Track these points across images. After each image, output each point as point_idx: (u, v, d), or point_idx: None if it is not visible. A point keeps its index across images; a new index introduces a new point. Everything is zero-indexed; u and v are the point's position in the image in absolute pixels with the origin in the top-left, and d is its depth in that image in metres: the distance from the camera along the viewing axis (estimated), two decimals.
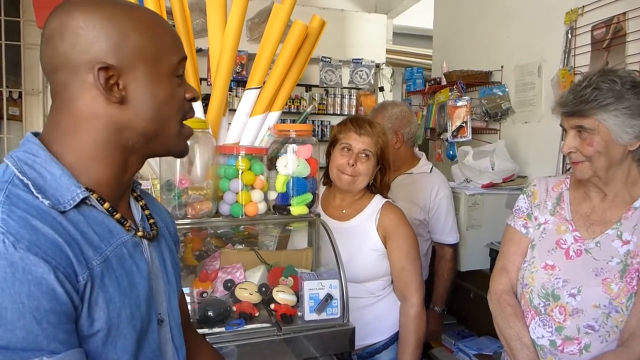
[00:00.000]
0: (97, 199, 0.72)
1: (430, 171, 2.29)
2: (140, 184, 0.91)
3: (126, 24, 0.71)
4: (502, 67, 2.93)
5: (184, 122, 0.82)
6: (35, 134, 0.74)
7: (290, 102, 5.12)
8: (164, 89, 0.75)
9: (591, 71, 1.35)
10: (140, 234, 0.78)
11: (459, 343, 2.50)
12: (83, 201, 0.70)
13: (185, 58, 0.80)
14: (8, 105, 4.16)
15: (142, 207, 0.85)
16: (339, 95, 5.33)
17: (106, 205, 0.73)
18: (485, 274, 2.33)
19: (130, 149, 0.75)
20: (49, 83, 0.74)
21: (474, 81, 3.00)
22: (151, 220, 0.85)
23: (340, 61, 5.19)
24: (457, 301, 2.53)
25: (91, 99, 0.70)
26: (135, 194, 0.86)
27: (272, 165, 1.45)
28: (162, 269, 0.83)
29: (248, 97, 1.51)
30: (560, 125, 1.33)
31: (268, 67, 1.50)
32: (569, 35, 2.39)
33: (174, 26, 1.48)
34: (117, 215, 0.74)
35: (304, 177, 1.44)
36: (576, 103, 1.24)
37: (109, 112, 0.71)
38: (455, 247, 2.33)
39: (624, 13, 2.09)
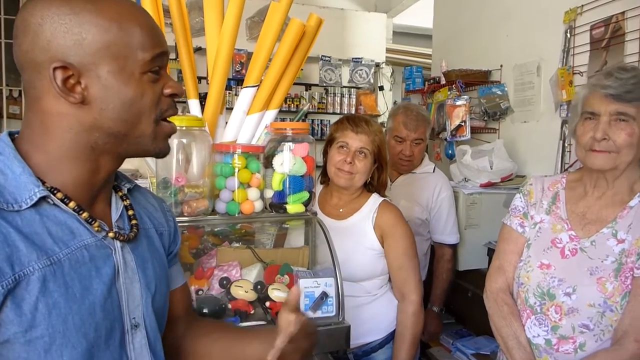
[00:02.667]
0: (61, 199, 0.70)
1: (433, 171, 2.31)
2: (134, 182, 0.89)
3: (89, 18, 0.67)
4: (501, 66, 2.93)
5: (170, 119, 0.78)
6: (14, 133, 0.73)
7: (289, 100, 5.12)
8: (132, 87, 0.71)
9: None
10: (111, 235, 0.75)
11: (457, 342, 2.50)
12: (45, 200, 0.68)
13: (164, 52, 0.75)
14: (8, 104, 4.16)
15: (125, 206, 0.82)
16: (339, 95, 5.33)
17: (71, 204, 0.70)
18: (483, 273, 2.31)
19: (100, 149, 0.73)
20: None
21: (473, 80, 3.00)
22: (133, 221, 0.81)
23: (340, 60, 5.19)
24: (455, 300, 2.53)
25: (54, 98, 0.68)
26: (121, 193, 0.83)
27: (268, 163, 1.45)
28: (140, 272, 0.79)
29: (245, 95, 1.51)
30: (589, 112, 1.26)
31: (265, 65, 1.50)
32: (568, 35, 2.39)
33: (170, 24, 1.48)
34: (84, 215, 0.72)
35: (301, 176, 1.44)
36: (624, 88, 1.19)
37: (73, 112, 0.69)
38: (454, 247, 2.34)
39: (623, 12, 2.09)
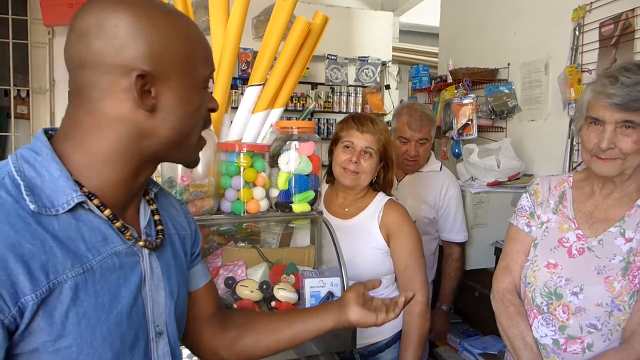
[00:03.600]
0: (98, 205, 0.70)
1: (440, 169, 2.30)
2: (159, 185, 0.89)
3: (167, 32, 0.69)
4: (508, 64, 2.91)
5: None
6: (48, 131, 0.73)
7: (296, 100, 5.12)
8: (195, 100, 0.74)
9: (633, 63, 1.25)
10: (141, 243, 0.75)
11: (463, 342, 2.49)
12: (80, 205, 0.68)
13: (214, 70, 0.79)
14: (16, 104, 4.18)
15: (152, 211, 0.82)
16: (345, 93, 5.32)
17: (107, 212, 0.70)
18: (490, 272, 2.30)
19: (148, 157, 0.74)
20: (71, 77, 0.71)
21: (480, 79, 2.98)
22: (159, 227, 0.82)
23: (346, 59, 5.18)
24: (462, 300, 2.52)
25: (118, 102, 0.69)
26: (148, 197, 0.83)
27: (274, 162, 1.45)
28: (165, 280, 0.80)
29: (250, 94, 1.51)
30: (593, 118, 1.23)
31: (270, 64, 1.50)
32: (577, 32, 2.37)
33: None
34: (118, 224, 0.72)
35: (306, 175, 1.43)
36: (630, 97, 1.16)
37: (135, 117, 0.70)
38: (463, 246, 2.33)
39: (633, 9, 2.07)
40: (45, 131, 0.73)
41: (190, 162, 0.82)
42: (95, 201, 0.69)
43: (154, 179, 1.47)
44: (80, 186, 0.68)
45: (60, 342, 0.63)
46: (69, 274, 0.64)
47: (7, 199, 0.63)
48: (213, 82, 1.52)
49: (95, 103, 0.69)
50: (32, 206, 0.63)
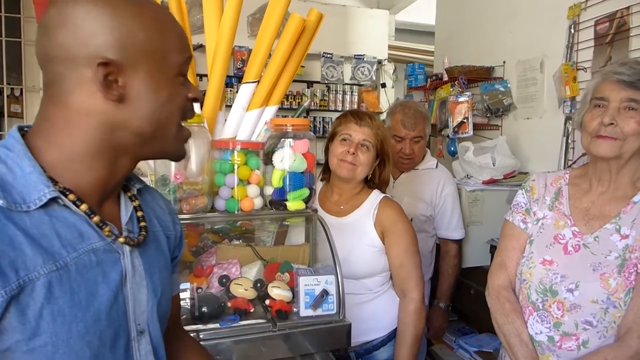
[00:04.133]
0: (73, 200, 0.68)
1: (436, 167, 2.29)
2: (143, 182, 0.87)
3: (132, 18, 0.68)
4: (504, 62, 2.91)
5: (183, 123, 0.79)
6: (23, 127, 0.71)
7: (292, 98, 5.11)
8: (167, 88, 0.72)
9: None
10: (121, 240, 0.73)
11: (459, 340, 2.49)
12: (55, 201, 0.66)
13: (190, 57, 0.77)
14: (10, 103, 4.16)
15: (135, 207, 0.80)
16: (341, 92, 5.32)
17: (83, 207, 0.68)
18: (485, 270, 2.29)
19: (122, 150, 0.72)
20: (42, 73, 0.70)
21: (476, 77, 2.98)
22: (142, 223, 0.79)
23: (342, 57, 5.17)
24: (458, 298, 2.52)
25: (87, 94, 0.67)
26: (130, 193, 0.81)
27: (268, 160, 1.44)
28: (148, 277, 0.77)
29: (244, 91, 1.50)
30: (599, 98, 1.25)
31: (265, 61, 1.49)
32: (572, 30, 2.37)
33: None
34: (96, 219, 0.70)
35: (301, 172, 1.42)
36: (638, 76, 1.18)
37: (105, 109, 0.68)
38: (460, 243, 2.33)
39: (628, 7, 2.07)
40: (20, 128, 0.71)
41: (174, 155, 0.80)
42: (71, 196, 0.68)
43: (150, 177, 1.48)
44: (55, 182, 0.67)
45: (34, 341, 0.61)
46: (40, 271, 0.62)
47: None
48: (208, 78, 1.50)
49: (65, 97, 0.68)
50: (1, 202, 0.62)
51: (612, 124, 1.21)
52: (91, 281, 0.67)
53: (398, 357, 1.60)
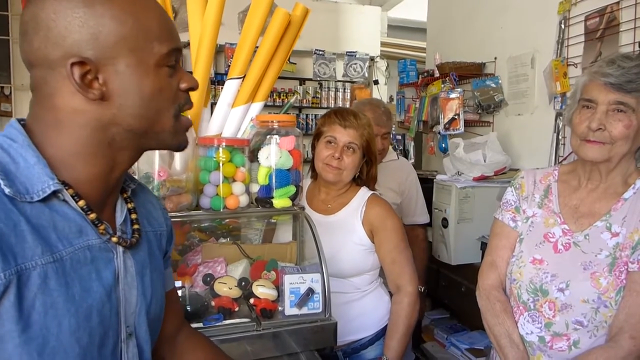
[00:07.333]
0: (72, 195, 0.67)
1: (398, 158, 2.43)
2: (137, 181, 0.86)
3: (103, 11, 0.65)
4: (495, 58, 2.90)
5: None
6: (21, 120, 0.70)
7: (284, 95, 5.09)
8: (151, 81, 0.69)
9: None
10: (114, 239, 0.72)
11: (451, 337, 2.49)
12: (55, 195, 0.66)
13: (179, 48, 0.73)
14: (0, 101, 4.12)
15: (129, 209, 0.79)
16: (333, 89, 5.30)
17: (81, 203, 0.68)
18: (476, 267, 2.28)
19: (118, 146, 0.70)
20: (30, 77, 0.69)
21: (467, 73, 2.97)
22: (135, 226, 0.79)
23: (334, 54, 5.15)
24: (449, 295, 2.52)
25: (70, 95, 0.66)
26: (125, 194, 0.80)
27: (254, 157, 1.42)
28: (138, 279, 0.77)
29: (229, 87, 1.48)
30: (587, 100, 1.22)
31: (250, 57, 1.46)
32: (562, 26, 2.36)
33: None
34: (92, 216, 0.69)
35: (287, 169, 1.40)
36: (626, 78, 1.15)
37: (90, 108, 0.67)
38: (425, 227, 2.43)
39: (618, 2, 2.06)
40: (18, 121, 0.70)
41: (174, 147, 0.77)
42: (70, 191, 0.67)
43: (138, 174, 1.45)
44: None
45: (25, 333, 0.60)
46: (38, 261, 0.61)
47: None
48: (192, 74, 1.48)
49: (51, 100, 0.67)
50: (7, 190, 0.61)
51: (600, 129, 1.19)
52: (85, 277, 0.67)
53: (387, 348, 1.58)
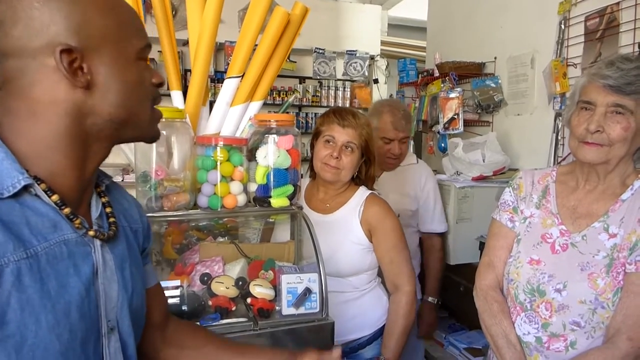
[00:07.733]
0: (45, 190, 0.66)
1: (417, 162, 2.32)
2: (111, 177, 0.86)
3: (88, 4, 0.67)
4: (495, 58, 2.89)
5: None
6: None
7: (284, 94, 5.08)
8: (133, 72, 0.72)
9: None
10: (91, 233, 0.72)
11: (449, 337, 2.49)
12: (27, 190, 0.65)
13: (150, 44, 0.76)
14: None
15: (103, 203, 0.79)
16: (333, 88, 5.29)
17: (54, 197, 0.67)
18: (475, 267, 2.27)
19: (94, 136, 0.71)
20: None
21: (467, 73, 2.96)
22: (111, 219, 0.78)
23: (334, 53, 5.15)
24: (447, 295, 2.51)
25: (52, 84, 0.66)
26: (99, 189, 0.80)
27: (252, 156, 1.41)
28: (118, 273, 0.76)
29: (228, 86, 1.47)
30: (585, 102, 1.22)
31: (249, 55, 1.46)
32: (562, 26, 2.36)
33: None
34: (66, 210, 0.68)
35: (285, 169, 1.40)
36: (625, 80, 1.15)
37: (73, 97, 0.67)
38: (443, 236, 2.33)
39: (618, 3, 2.06)
40: None
41: (148, 138, 0.80)
42: (42, 185, 0.66)
43: (128, 173, 1.45)
44: (26, 171, 0.66)
45: (1, 331, 0.59)
46: (10, 257, 0.60)
47: None
48: (191, 73, 1.48)
49: (28, 90, 0.66)
50: None
51: (598, 131, 1.18)
52: (62, 273, 0.66)
53: (385, 347, 1.59)
